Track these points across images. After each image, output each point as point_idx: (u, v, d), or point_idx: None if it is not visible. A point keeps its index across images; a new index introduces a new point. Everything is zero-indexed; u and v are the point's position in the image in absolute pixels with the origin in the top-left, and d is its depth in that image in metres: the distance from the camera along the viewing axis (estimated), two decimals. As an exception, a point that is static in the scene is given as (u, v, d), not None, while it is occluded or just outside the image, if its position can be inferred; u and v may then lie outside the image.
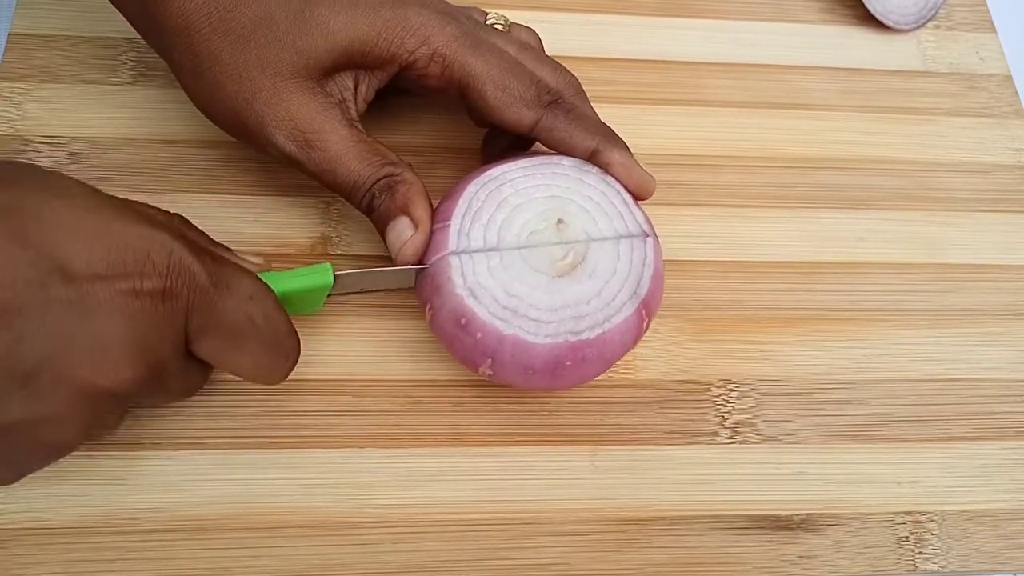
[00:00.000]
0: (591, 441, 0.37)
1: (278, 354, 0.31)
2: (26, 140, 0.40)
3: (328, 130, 0.34)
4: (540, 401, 0.37)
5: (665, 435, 0.37)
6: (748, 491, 0.37)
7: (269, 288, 0.31)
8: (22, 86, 0.41)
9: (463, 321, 0.33)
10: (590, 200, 0.35)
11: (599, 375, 0.35)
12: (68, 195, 0.27)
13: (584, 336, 0.32)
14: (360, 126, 0.35)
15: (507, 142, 0.39)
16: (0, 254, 0.25)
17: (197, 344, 0.29)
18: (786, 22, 0.49)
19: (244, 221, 0.39)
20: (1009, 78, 0.49)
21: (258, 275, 0.31)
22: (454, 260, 0.33)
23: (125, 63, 0.42)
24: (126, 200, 0.29)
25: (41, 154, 0.39)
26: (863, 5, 0.49)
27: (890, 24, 0.49)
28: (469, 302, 0.33)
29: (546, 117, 0.35)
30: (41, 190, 0.26)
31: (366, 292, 0.36)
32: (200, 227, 0.39)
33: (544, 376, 0.33)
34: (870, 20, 0.49)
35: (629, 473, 0.36)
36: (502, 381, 0.34)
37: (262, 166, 0.40)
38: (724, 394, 0.38)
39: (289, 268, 0.38)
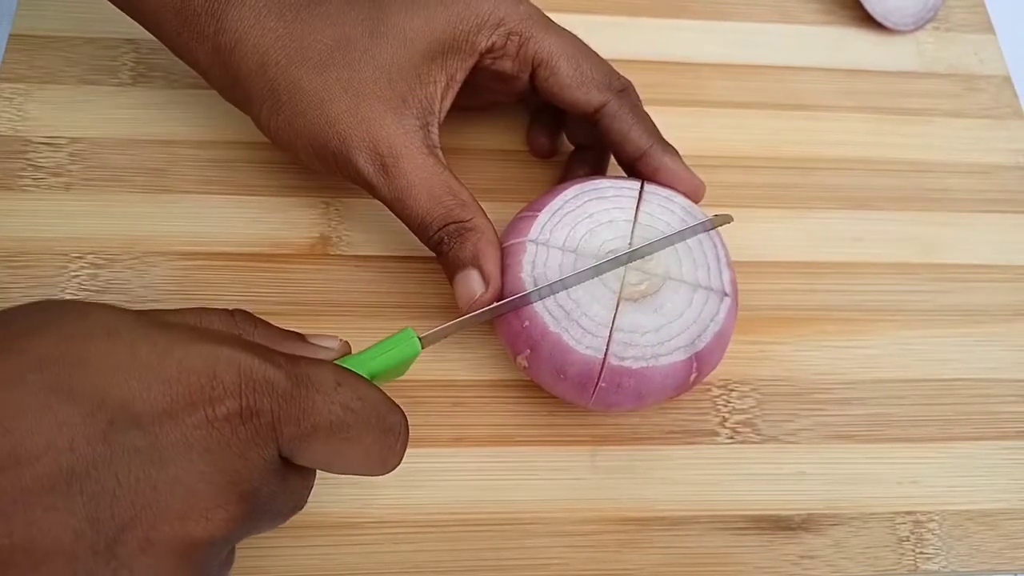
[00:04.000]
0: (591, 441, 0.37)
1: (387, 433, 0.27)
2: (27, 140, 0.40)
3: (406, 156, 0.33)
4: (541, 402, 0.37)
5: (666, 435, 0.37)
6: (749, 491, 0.36)
7: (351, 371, 0.28)
8: (23, 87, 0.41)
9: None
10: (684, 243, 0.35)
11: (630, 409, 0.35)
12: (112, 330, 0.24)
13: (626, 364, 0.32)
14: (440, 153, 0.34)
15: (588, 167, 0.40)
16: (51, 413, 0.22)
17: (298, 455, 0.26)
18: (786, 23, 0.49)
19: (243, 221, 0.39)
20: (1008, 79, 0.49)
21: (339, 362, 0.29)
22: (531, 247, 0.34)
23: (125, 64, 0.42)
24: (179, 312, 0.27)
25: (41, 154, 0.39)
26: (862, 6, 0.49)
27: (889, 25, 0.49)
28: (528, 288, 0.33)
29: (613, 103, 0.35)
30: (82, 332, 0.24)
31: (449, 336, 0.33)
32: (199, 227, 0.39)
33: (573, 386, 0.33)
34: (869, 21, 0.49)
35: (629, 473, 0.36)
36: (535, 377, 0.34)
37: (261, 166, 0.40)
38: (725, 394, 0.38)
39: (289, 267, 0.38)
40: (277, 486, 0.25)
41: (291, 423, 0.25)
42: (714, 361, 0.34)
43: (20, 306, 0.25)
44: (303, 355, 0.27)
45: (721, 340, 0.34)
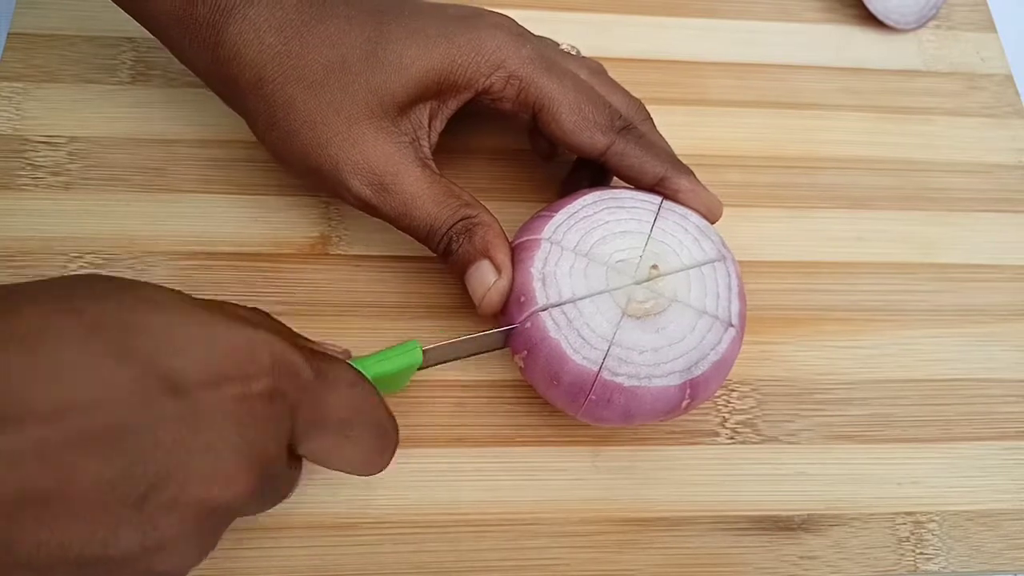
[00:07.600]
0: (592, 441, 0.37)
1: (383, 439, 0.30)
2: (25, 139, 0.40)
3: (403, 172, 0.33)
4: (541, 402, 0.37)
5: (666, 435, 0.37)
6: (749, 491, 0.36)
7: (363, 374, 0.30)
8: (21, 85, 0.41)
9: (522, 299, 0.33)
10: (698, 268, 0.34)
11: (618, 426, 0.35)
12: (163, 305, 0.26)
13: (619, 380, 0.32)
14: (433, 164, 0.35)
15: (588, 181, 0.39)
16: (103, 372, 0.23)
17: (305, 442, 0.28)
18: (787, 21, 0.49)
19: (243, 221, 0.39)
20: (1010, 77, 0.49)
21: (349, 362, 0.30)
22: (544, 244, 0.34)
23: (124, 63, 0.42)
24: (216, 301, 0.28)
25: (40, 153, 0.39)
26: (864, 5, 0.49)
27: (891, 24, 0.49)
28: (535, 285, 0.33)
29: (618, 143, 0.35)
30: (136, 302, 0.25)
31: (453, 360, 0.34)
32: (199, 227, 0.39)
33: (565, 394, 0.33)
34: (871, 20, 0.49)
35: (630, 474, 0.36)
36: (529, 379, 0.34)
37: (261, 166, 0.40)
38: (725, 394, 0.38)
39: (289, 267, 0.38)
40: (283, 471, 0.27)
41: (306, 410, 0.27)
42: (710, 390, 0.33)
43: (77, 276, 0.27)
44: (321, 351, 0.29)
45: (719, 370, 0.33)
